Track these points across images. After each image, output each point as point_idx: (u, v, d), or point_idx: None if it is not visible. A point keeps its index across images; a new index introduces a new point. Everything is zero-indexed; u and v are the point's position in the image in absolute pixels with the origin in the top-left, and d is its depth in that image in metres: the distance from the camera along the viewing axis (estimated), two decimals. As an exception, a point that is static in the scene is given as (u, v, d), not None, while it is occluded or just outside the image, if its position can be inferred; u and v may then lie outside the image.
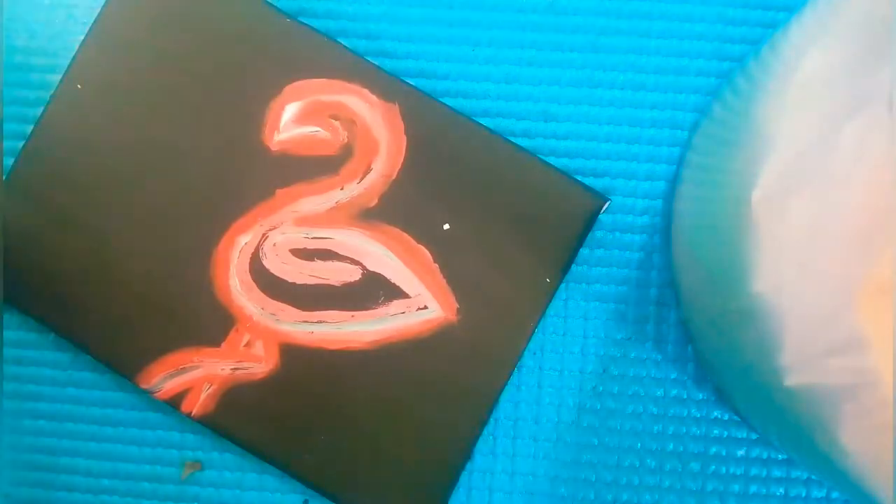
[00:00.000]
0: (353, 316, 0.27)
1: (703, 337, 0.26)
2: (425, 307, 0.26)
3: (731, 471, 0.27)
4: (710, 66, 0.28)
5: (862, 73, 0.18)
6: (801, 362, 0.19)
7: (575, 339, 0.28)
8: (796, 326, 0.18)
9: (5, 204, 0.27)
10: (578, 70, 0.28)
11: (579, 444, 0.28)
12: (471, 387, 0.26)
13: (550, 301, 0.26)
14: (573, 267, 0.28)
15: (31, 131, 0.27)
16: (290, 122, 0.27)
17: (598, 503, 0.28)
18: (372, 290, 0.27)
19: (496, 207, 0.27)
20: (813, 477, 0.27)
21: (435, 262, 0.27)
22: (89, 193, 0.27)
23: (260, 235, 0.27)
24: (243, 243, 0.27)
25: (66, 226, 0.27)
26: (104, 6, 0.27)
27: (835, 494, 0.27)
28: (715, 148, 0.25)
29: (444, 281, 0.27)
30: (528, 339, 0.26)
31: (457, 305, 0.26)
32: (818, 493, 0.27)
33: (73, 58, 0.27)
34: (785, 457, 0.27)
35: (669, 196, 0.28)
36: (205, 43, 0.27)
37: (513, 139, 0.28)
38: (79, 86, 0.27)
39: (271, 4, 0.27)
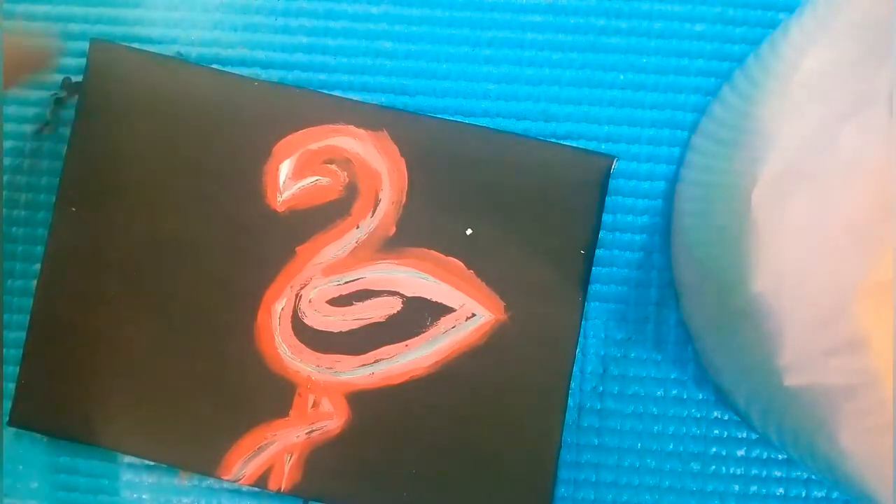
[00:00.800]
0: (406, 345, 0.27)
1: (703, 337, 0.26)
2: (473, 315, 0.26)
3: (731, 471, 0.27)
4: (710, 66, 0.28)
5: (862, 73, 0.18)
6: (801, 362, 0.19)
7: (575, 339, 0.28)
8: (796, 326, 0.18)
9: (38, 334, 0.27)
10: (578, 70, 0.28)
11: (579, 445, 0.28)
12: (540, 375, 0.26)
13: (591, 270, 0.26)
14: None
15: (41, 268, 0.27)
16: (288, 179, 0.27)
17: (598, 503, 0.28)
18: (417, 315, 0.27)
19: (509, 197, 0.27)
20: (813, 477, 0.27)
21: (469, 268, 0.27)
22: (116, 308, 0.27)
23: (294, 297, 0.27)
24: (280, 309, 0.27)
25: (102, 347, 0.27)
26: (75, 123, 0.27)
27: (835, 494, 0.27)
28: (715, 148, 0.25)
29: (484, 284, 0.27)
30: (582, 311, 0.26)
31: (503, 303, 0.26)
32: (818, 492, 0.27)
33: (60, 181, 0.27)
34: (785, 457, 0.27)
35: (669, 196, 0.28)
36: (183, 133, 0.27)
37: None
38: (73, 208, 0.27)
39: (232, 71, 0.27)
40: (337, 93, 0.28)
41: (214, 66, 0.28)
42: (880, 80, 0.17)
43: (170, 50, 0.29)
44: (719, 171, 0.23)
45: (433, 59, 0.29)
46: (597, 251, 0.28)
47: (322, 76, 0.29)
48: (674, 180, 0.28)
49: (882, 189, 0.17)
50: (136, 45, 0.28)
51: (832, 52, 0.19)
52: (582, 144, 0.28)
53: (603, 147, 0.28)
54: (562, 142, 0.28)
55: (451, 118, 0.28)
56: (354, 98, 0.28)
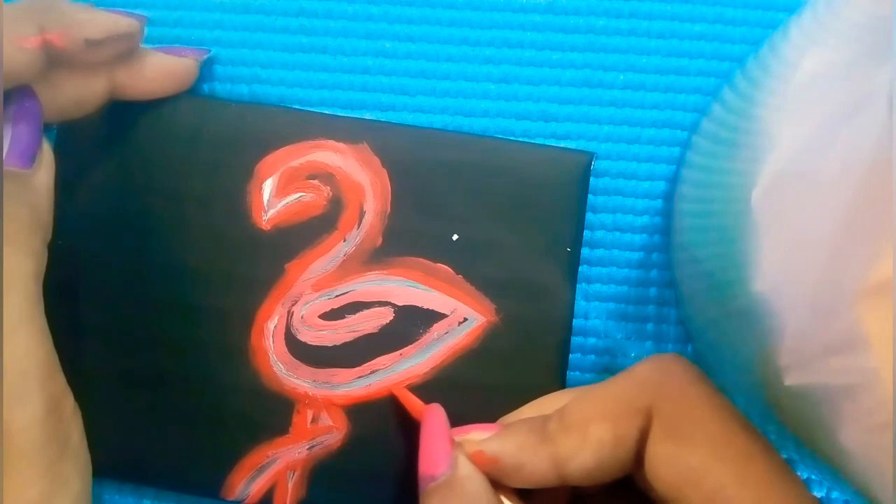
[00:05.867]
0: (401, 354, 0.27)
1: (703, 337, 0.26)
2: (465, 319, 0.27)
3: (731, 471, 0.27)
4: (710, 66, 0.28)
5: (862, 73, 0.18)
6: (800, 362, 0.19)
7: (574, 339, 0.28)
8: (796, 326, 0.18)
9: None
10: (578, 70, 0.28)
11: (579, 444, 0.28)
12: (533, 374, 0.26)
13: (578, 267, 0.27)
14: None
15: None
16: (272, 198, 0.27)
17: (598, 503, 0.28)
18: (410, 324, 0.27)
19: (492, 200, 0.27)
20: (813, 477, 0.27)
21: (457, 273, 0.27)
22: (108, 340, 0.27)
23: (285, 314, 0.27)
24: (272, 328, 0.27)
25: (97, 379, 0.27)
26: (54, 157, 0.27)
27: (835, 494, 0.27)
28: (715, 148, 0.25)
29: (473, 287, 0.27)
30: (572, 308, 0.26)
31: (493, 306, 0.27)
32: (818, 493, 0.27)
33: None
34: (785, 457, 0.27)
35: (669, 196, 0.28)
36: (163, 161, 0.27)
37: (512, 139, 0.28)
38: (59, 241, 0.26)
39: (209, 96, 0.27)
40: (337, 92, 0.28)
41: (214, 65, 0.29)
42: (880, 80, 0.17)
43: (170, 50, 0.29)
44: (719, 171, 0.23)
45: (433, 58, 0.29)
46: (597, 251, 0.28)
47: (322, 76, 0.29)
48: (674, 180, 0.28)
49: (882, 189, 0.17)
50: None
51: (832, 53, 0.19)
52: (582, 144, 0.28)
53: (603, 147, 0.28)
54: (562, 142, 0.28)
55: (451, 118, 0.28)
56: (337, 110, 0.28)
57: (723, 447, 0.20)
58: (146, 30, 0.26)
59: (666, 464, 0.21)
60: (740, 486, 0.20)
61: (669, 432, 0.21)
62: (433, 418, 0.24)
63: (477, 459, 0.23)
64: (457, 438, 0.23)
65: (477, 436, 0.23)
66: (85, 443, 0.23)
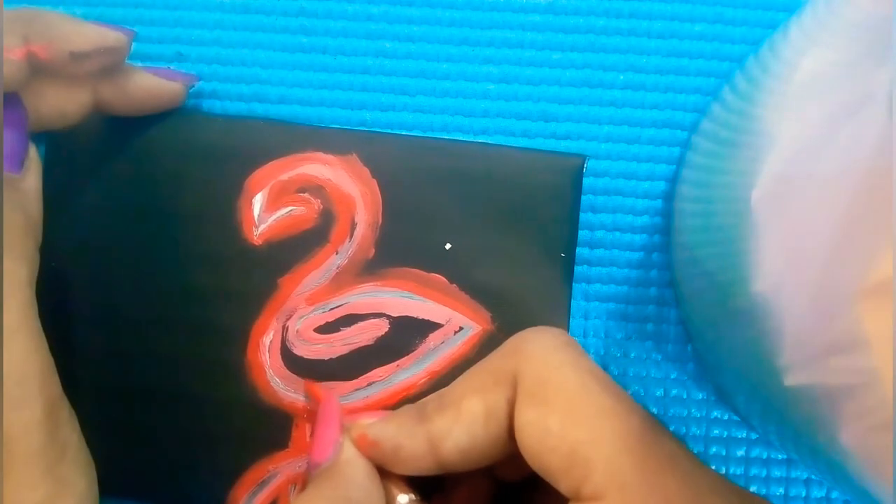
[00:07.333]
0: (398, 366, 0.26)
1: (703, 337, 0.26)
2: (461, 328, 0.26)
3: (732, 471, 0.27)
4: (710, 66, 0.28)
5: (862, 73, 0.18)
6: (800, 362, 0.19)
7: (575, 339, 0.28)
8: (796, 326, 0.18)
9: None
10: (578, 70, 0.28)
11: (579, 444, 0.28)
12: None
13: (573, 272, 0.26)
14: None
15: None
16: (262, 213, 0.27)
17: (598, 503, 0.28)
18: (405, 334, 0.27)
19: (485, 207, 0.27)
20: (813, 477, 0.27)
21: (451, 282, 0.26)
22: (105, 361, 0.27)
23: (280, 329, 0.27)
24: (268, 343, 0.27)
25: (95, 399, 0.27)
26: (43, 178, 0.26)
27: (835, 494, 0.27)
28: (715, 148, 0.25)
29: (468, 296, 0.26)
30: (568, 315, 0.26)
31: (489, 314, 0.26)
32: (818, 493, 0.27)
33: None
34: (785, 457, 0.27)
35: (669, 196, 0.28)
36: (153, 179, 0.27)
37: (512, 139, 0.28)
38: (53, 263, 0.26)
39: (200, 110, 0.28)
40: (337, 92, 0.28)
41: (214, 65, 0.29)
42: (880, 80, 0.17)
43: (170, 50, 0.29)
44: (719, 171, 0.23)
45: (433, 58, 0.29)
46: (597, 251, 0.28)
47: (322, 75, 0.29)
48: (674, 180, 0.28)
49: (882, 189, 0.17)
50: (134, 47, 0.28)
51: (832, 53, 0.19)
52: (581, 144, 0.28)
53: (602, 147, 0.28)
54: (562, 142, 0.28)
55: (451, 118, 0.28)
56: (337, 109, 0.28)
57: (579, 408, 0.20)
58: (134, 45, 0.26)
59: (528, 432, 0.20)
60: (595, 444, 0.19)
61: (530, 398, 0.21)
62: (326, 407, 0.24)
63: (360, 443, 0.23)
64: (346, 424, 0.23)
65: (365, 420, 0.23)
66: (84, 443, 0.23)
